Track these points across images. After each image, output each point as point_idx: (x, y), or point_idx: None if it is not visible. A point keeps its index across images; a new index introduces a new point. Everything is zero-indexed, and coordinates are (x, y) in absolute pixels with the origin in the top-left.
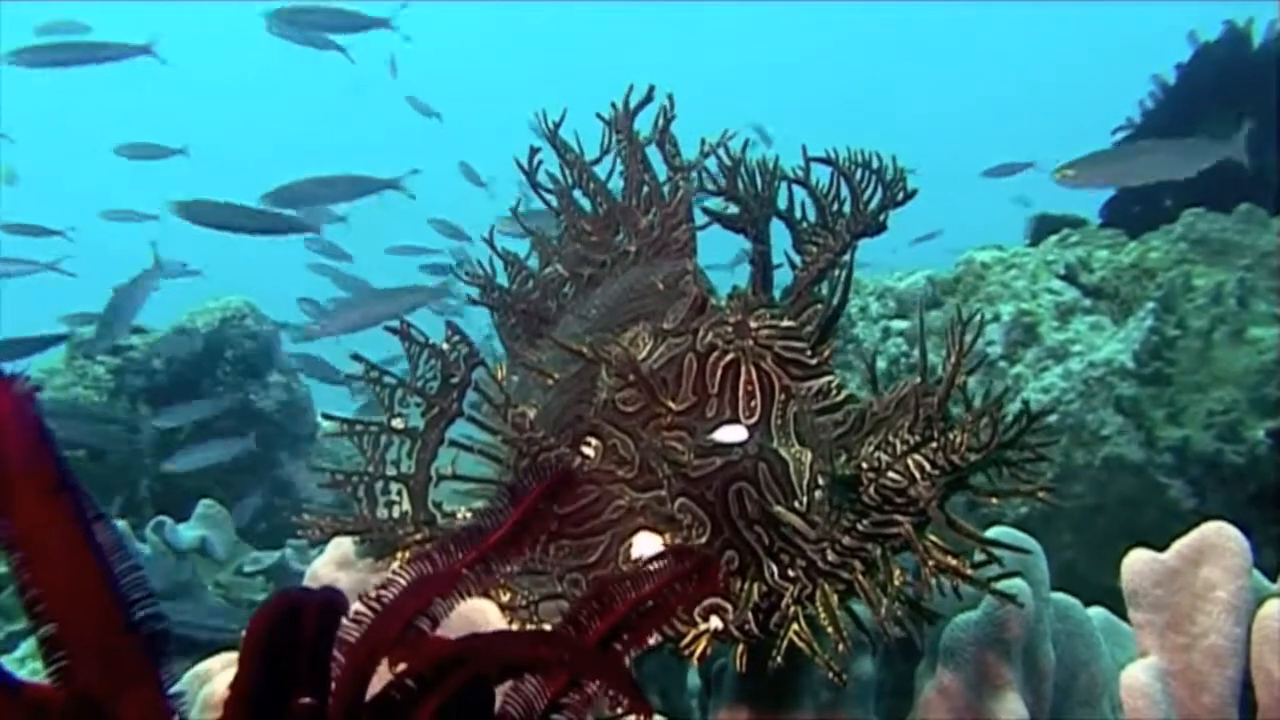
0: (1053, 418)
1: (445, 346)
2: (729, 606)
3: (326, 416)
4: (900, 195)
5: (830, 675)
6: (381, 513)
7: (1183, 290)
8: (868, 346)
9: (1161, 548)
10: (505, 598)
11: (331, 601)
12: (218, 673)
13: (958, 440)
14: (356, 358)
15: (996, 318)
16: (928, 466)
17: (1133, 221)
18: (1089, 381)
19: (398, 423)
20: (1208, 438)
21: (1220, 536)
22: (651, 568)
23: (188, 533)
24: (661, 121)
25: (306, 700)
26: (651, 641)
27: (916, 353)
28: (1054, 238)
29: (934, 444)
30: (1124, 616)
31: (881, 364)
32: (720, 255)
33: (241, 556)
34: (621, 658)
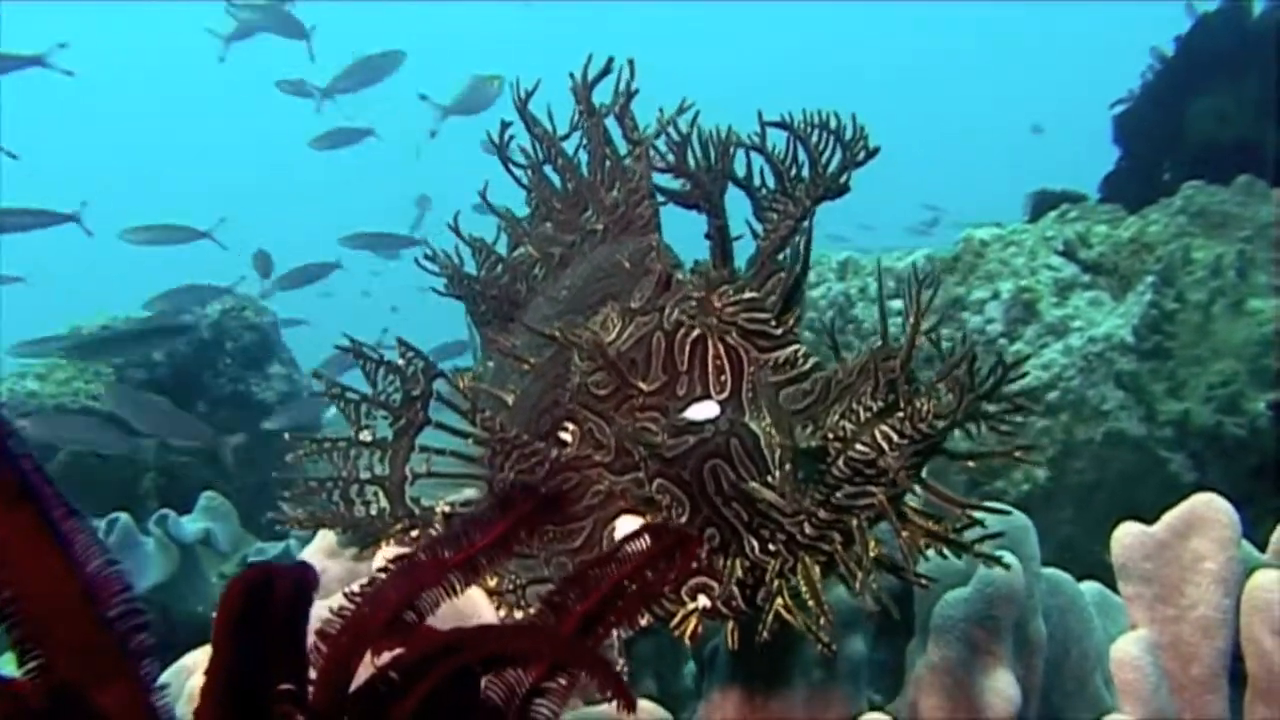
0: (1053, 393)
1: (400, 362)
2: (715, 584)
3: (294, 437)
4: (861, 155)
5: (820, 648)
6: (359, 511)
7: (1182, 263)
8: (868, 328)
9: (1155, 521)
10: (492, 582)
11: (302, 574)
12: (203, 664)
13: (924, 408)
14: (318, 375)
15: (996, 295)
16: (895, 437)
17: (1131, 196)
18: (1089, 357)
19: (365, 435)
20: (1208, 411)
21: (1209, 509)
22: (629, 549)
23: (191, 525)
24: (621, 97)
25: (285, 686)
26: (642, 622)
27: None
28: (1053, 214)
29: (900, 413)
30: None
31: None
32: (685, 228)
33: (245, 548)
34: (599, 647)
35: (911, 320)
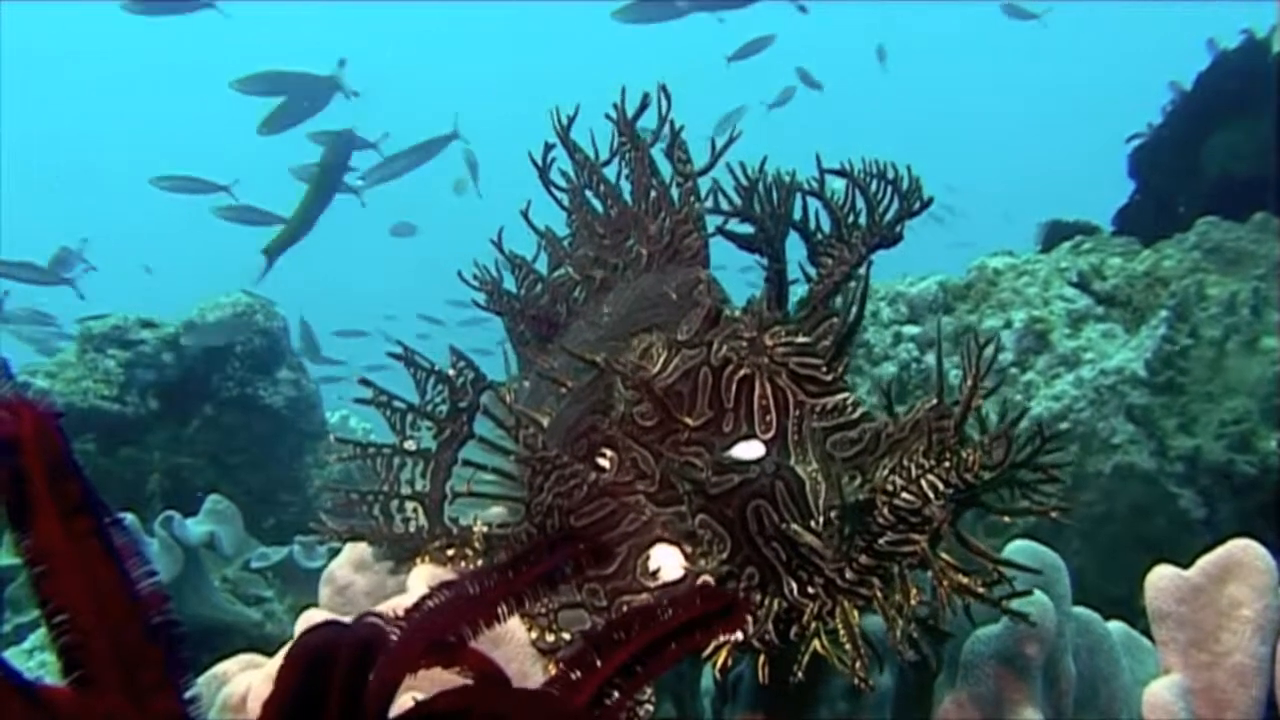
0: (1063, 424)
1: (451, 372)
2: (751, 620)
3: (339, 440)
4: (916, 205)
5: (857, 683)
6: (398, 526)
7: (1196, 299)
8: (879, 352)
9: (1172, 558)
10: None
11: (367, 642)
12: (235, 674)
13: (970, 459)
14: (365, 382)
15: (1008, 324)
16: (941, 486)
17: (1146, 229)
18: (1100, 389)
19: (409, 445)
20: (1219, 448)
21: (1247, 554)
22: (678, 600)
23: (196, 528)
24: (669, 135)
25: None
26: None
27: (928, 359)
28: (1067, 245)
29: (947, 464)
30: (1134, 626)
31: (892, 369)
32: (733, 261)
33: (249, 552)
34: (636, 691)
35: (969, 383)
